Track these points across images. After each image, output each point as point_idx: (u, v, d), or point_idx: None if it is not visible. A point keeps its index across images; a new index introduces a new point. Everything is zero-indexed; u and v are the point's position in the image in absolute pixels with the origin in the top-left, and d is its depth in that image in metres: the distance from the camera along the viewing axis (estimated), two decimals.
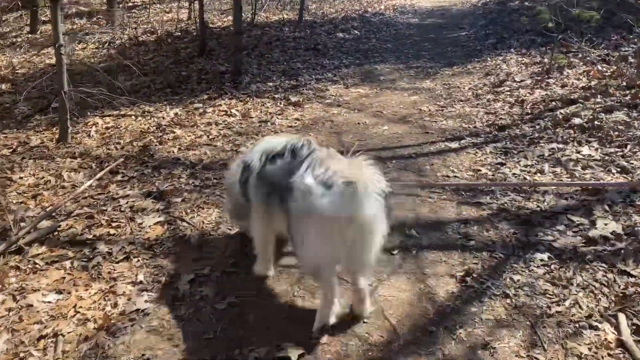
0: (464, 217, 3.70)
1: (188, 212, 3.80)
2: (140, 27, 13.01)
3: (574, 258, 3.12)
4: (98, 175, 4.37)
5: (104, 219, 3.70)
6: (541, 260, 3.13)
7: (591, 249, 3.20)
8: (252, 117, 6.03)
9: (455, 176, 4.39)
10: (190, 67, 8.56)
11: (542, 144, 4.96)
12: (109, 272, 3.06)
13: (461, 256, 3.23)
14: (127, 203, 3.94)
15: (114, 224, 3.62)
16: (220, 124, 5.82)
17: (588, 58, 7.93)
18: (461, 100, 6.61)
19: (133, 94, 7.31)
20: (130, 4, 16.48)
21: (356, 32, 11.77)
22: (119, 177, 4.48)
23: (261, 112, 6.26)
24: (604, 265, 3.03)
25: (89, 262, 3.17)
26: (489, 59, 8.72)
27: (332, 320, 2.58)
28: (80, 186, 4.25)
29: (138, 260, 3.18)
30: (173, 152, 5.01)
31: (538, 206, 3.80)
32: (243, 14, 13.88)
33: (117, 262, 3.16)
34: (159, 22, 13.49)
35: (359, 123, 5.86)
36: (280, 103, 6.62)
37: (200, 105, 6.51)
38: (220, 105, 6.46)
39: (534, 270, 3.03)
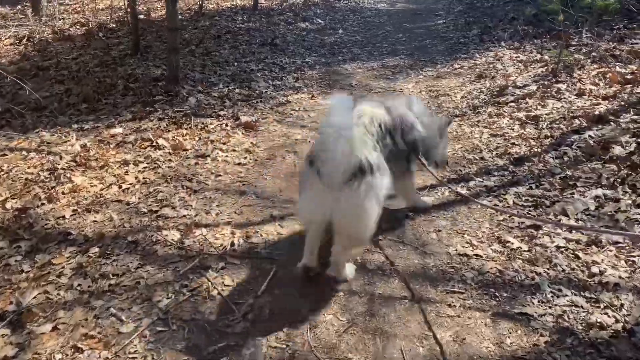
0: (509, 351, 2.26)
1: None
2: (69, 18, 11.06)
3: None
4: None
5: None
6: None
7: None
8: (187, 150, 4.43)
9: (477, 255, 2.94)
10: (118, 71, 6.81)
11: (580, 188, 3.57)
12: None
13: None
14: None
15: None
16: (142, 162, 4.20)
17: (594, 54, 6.60)
18: (456, 115, 5.16)
19: (37, 111, 5.59)
20: None
21: (320, 21, 10.17)
22: None
23: (200, 139, 4.66)
24: None
25: None
26: (477, 54, 7.30)
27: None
28: None
29: None
30: (64, 217, 3.39)
31: (616, 320, 2.39)
32: (191, 0, 12.08)
33: None
34: (93, 12, 11.56)
35: None
36: (227, 124, 5.02)
37: (120, 130, 4.86)
38: (146, 130, 4.82)
39: None
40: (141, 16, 10.60)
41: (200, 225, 3.25)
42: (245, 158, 4.28)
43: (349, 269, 2.75)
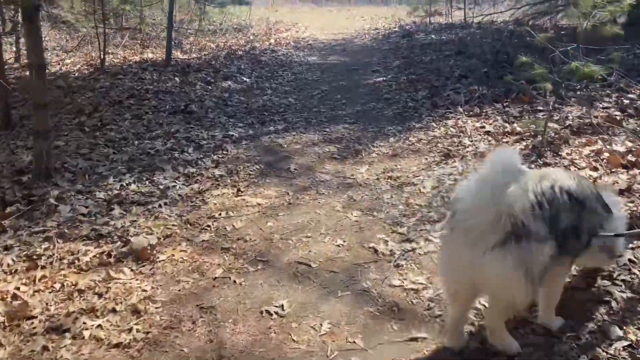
0: None
1: None
2: None
3: None
4: None
5: None
6: None
7: None
8: (34, 318, 2.70)
9: None
10: None
11: None
12: None
13: None
14: None
15: None
16: None
17: (569, 122, 5.61)
18: (435, 221, 3.79)
19: None
20: None
21: (245, 79, 8.74)
22: None
23: (62, 289, 2.95)
24: None
25: None
26: (433, 123, 6.11)
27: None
28: None
29: None
30: None
31: None
32: (93, 53, 10.22)
33: None
34: None
35: (268, 312, 2.78)
36: (111, 254, 3.34)
37: None
38: None
39: None
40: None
41: None
42: (131, 330, 2.62)
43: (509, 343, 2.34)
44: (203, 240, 3.57)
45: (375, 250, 3.42)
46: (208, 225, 3.78)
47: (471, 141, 5.34)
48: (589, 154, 4.66)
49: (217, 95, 7.61)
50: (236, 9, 16.07)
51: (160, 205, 4.07)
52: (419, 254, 3.37)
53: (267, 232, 3.70)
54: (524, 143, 5.09)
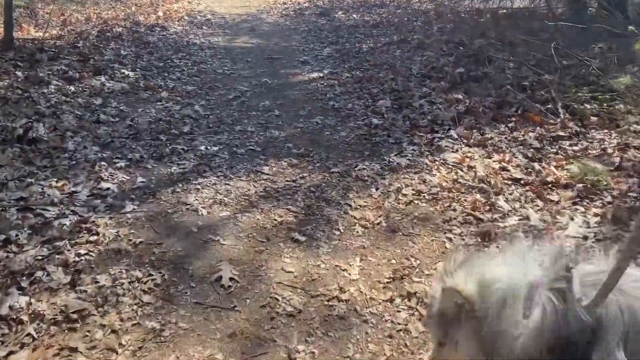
0: None
1: None
2: None
3: None
4: None
5: None
6: None
7: None
8: None
9: None
10: None
11: None
12: None
13: None
14: None
15: None
16: None
17: (613, 158, 3.85)
18: None
19: None
20: None
21: (127, 72, 5.95)
22: None
23: None
24: None
25: None
26: (426, 160, 4.00)
27: None
28: None
29: None
30: None
31: None
32: None
33: None
34: None
35: None
36: None
37: None
38: None
39: None
40: None
41: None
42: None
43: None
44: None
45: None
46: None
47: (506, 201, 3.30)
48: None
49: (84, 102, 4.81)
50: None
51: None
52: None
53: None
54: (593, 208, 3.16)
